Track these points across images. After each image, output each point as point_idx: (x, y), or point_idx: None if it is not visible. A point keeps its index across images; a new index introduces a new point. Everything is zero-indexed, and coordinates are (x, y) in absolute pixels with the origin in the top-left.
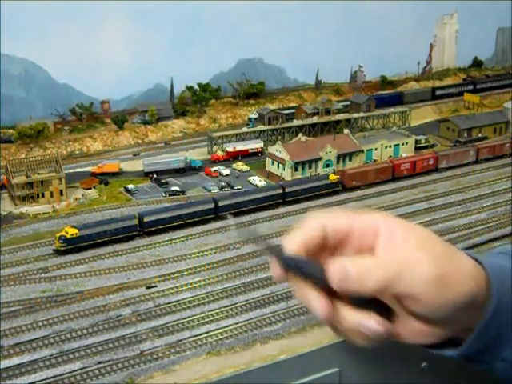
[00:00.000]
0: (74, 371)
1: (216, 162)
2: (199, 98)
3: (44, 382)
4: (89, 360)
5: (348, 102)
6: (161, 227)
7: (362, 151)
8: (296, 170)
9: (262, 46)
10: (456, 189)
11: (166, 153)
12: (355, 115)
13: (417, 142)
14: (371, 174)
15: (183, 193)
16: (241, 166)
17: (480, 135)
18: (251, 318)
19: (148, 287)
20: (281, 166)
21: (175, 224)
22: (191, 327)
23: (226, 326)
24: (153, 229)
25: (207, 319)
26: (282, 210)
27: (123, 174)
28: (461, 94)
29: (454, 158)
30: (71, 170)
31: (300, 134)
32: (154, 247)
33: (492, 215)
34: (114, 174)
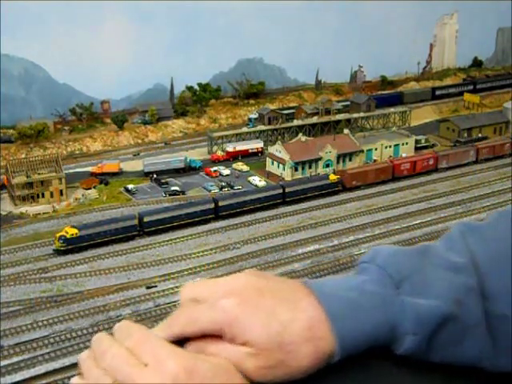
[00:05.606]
0: (74, 371)
1: (216, 161)
2: (199, 98)
3: (42, 378)
4: None
5: (348, 102)
6: (161, 227)
7: (362, 151)
8: (296, 170)
9: (262, 45)
10: (456, 189)
11: (166, 153)
12: (355, 115)
13: (417, 141)
14: (371, 174)
15: (183, 193)
16: (241, 165)
17: (480, 135)
18: None
19: (148, 287)
20: (281, 165)
21: (175, 224)
22: None
23: None
24: (153, 229)
25: None
26: (281, 209)
27: (123, 174)
28: (461, 94)
29: (454, 158)
30: (71, 170)
31: (300, 134)
32: (154, 247)
33: None
34: (114, 174)
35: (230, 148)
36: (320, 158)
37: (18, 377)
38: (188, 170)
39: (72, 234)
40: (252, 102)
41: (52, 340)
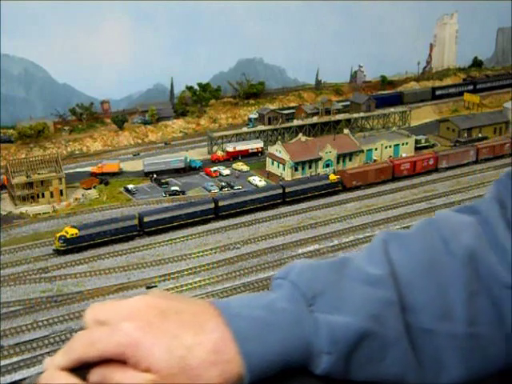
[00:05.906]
0: None
1: (216, 161)
2: (199, 98)
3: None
4: None
5: (348, 102)
6: (161, 227)
7: (362, 151)
8: (296, 169)
9: (261, 45)
10: (456, 189)
11: (166, 153)
12: (355, 115)
13: (417, 141)
14: (371, 174)
15: (183, 193)
16: (241, 165)
17: (480, 135)
18: None
19: (148, 287)
20: (281, 165)
21: (175, 224)
22: None
23: None
24: (153, 229)
25: None
26: (282, 209)
27: (123, 174)
28: (461, 93)
29: (454, 157)
30: (71, 170)
31: (300, 134)
32: (154, 247)
33: None
34: (114, 174)
35: (230, 148)
36: (320, 158)
37: (18, 376)
38: (188, 169)
39: (72, 234)
40: (252, 101)
41: (52, 340)
